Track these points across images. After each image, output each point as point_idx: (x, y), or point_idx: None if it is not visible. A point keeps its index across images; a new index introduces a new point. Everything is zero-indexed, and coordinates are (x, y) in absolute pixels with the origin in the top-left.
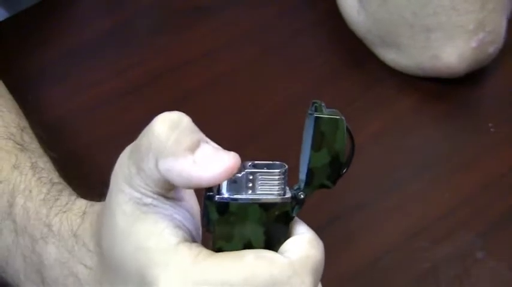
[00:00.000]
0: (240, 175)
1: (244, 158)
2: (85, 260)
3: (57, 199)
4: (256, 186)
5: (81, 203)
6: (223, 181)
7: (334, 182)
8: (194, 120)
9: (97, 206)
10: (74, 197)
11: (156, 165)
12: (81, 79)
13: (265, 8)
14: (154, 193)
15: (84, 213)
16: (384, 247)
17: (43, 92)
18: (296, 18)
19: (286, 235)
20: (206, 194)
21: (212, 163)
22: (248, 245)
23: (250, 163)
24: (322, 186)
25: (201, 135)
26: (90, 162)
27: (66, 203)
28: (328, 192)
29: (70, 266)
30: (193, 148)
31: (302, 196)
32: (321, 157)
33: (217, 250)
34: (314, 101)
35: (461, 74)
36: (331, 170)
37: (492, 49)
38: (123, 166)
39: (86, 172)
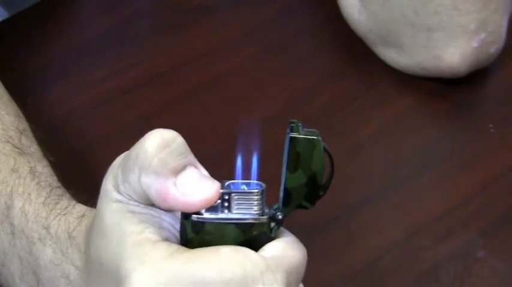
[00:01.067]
0: None
1: (244, 158)
2: (76, 261)
3: (58, 203)
4: (233, 206)
5: (81, 207)
6: (199, 209)
7: (312, 203)
8: (194, 119)
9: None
10: (74, 202)
11: (139, 179)
12: (81, 79)
13: (265, 8)
14: (139, 201)
15: (82, 216)
16: (384, 246)
17: (43, 92)
18: (296, 18)
19: None
20: (182, 213)
21: (192, 190)
22: None
23: (227, 183)
24: (300, 206)
25: (191, 159)
26: (91, 161)
27: (67, 207)
28: (328, 192)
29: (63, 267)
30: (178, 171)
31: (280, 217)
32: (297, 177)
33: None
34: (291, 120)
35: (462, 74)
36: (309, 190)
37: (493, 49)
38: (113, 170)
39: (86, 170)
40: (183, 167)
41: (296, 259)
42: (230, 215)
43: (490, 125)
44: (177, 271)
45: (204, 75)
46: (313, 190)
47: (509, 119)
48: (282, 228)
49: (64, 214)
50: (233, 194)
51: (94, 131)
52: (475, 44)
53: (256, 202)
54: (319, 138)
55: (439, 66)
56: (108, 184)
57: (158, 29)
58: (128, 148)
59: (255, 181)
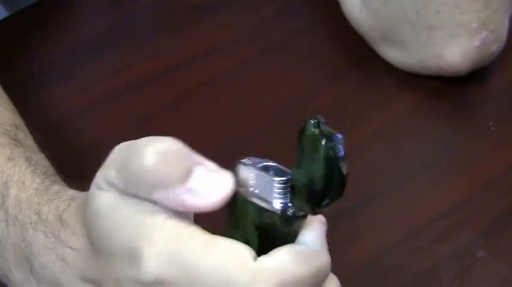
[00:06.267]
0: (250, 173)
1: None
2: (71, 243)
3: (50, 189)
4: (260, 187)
5: (73, 192)
6: (220, 206)
7: (312, 209)
8: (194, 119)
9: (83, 195)
10: (66, 187)
11: (150, 195)
12: (81, 78)
13: (265, 8)
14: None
15: (71, 199)
16: (384, 246)
17: (43, 92)
18: (296, 18)
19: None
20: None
21: (207, 192)
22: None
23: (262, 164)
24: (302, 209)
25: (194, 158)
26: (91, 161)
27: (58, 192)
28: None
29: (57, 251)
30: (186, 176)
31: (289, 213)
32: (300, 176)
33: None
34: (315, 116)
35: (463, 73)
36: (309, 194)
37: (495, 48)
38: (109, 170)
39: (86, 170)
40: (190, 170)
41: (300, 274)
42: (254, 192)
43: (491, 124)
44: (178, 252)
45: (204, 75)
46: (313, 195)
47: (510, 119)
48: (310, 233)
49: (53, 199)
50: (261, 176)
51: (94, 131)
52: (476, 42)
53: (278, 191)
54: (324, 141)
55: (440, 65)
56: (104, 178)
57: (158, 29)
58: None
59: (288, 170)
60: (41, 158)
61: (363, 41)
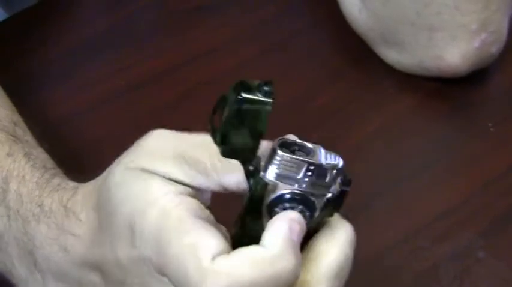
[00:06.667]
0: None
1: None
2: (74, 229)
3: (50, 181)
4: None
5: (73, 183)
6: None
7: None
8: (194, 119)
9: (92, 181)
10: (66, 179)
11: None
12: (81, 78)
13: (265, 8)
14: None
15: (76, 187)
16: (384, 246)
17: (43, 92)
18: (296, 18)
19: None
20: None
21: None
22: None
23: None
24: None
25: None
26: (91, 161)
27: (59, 184)
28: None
29: (59, 241)
30: None
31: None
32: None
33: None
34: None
35: (462, 74)
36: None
37: (494, 49)
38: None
39: (86, 170)
40: None
41: (253, 279)
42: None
43: (490, 125)
44: (160, 233)
45: (204, 75)
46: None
47: (509, 119)
48: (271, 233)
49: (57, 190)
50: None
51: (94, 131)
52: (476, 44)
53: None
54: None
55: (439, 66)
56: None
57: (158, 29)
58: (128, 148)
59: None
60: (40, 153)
61: (363, 41)
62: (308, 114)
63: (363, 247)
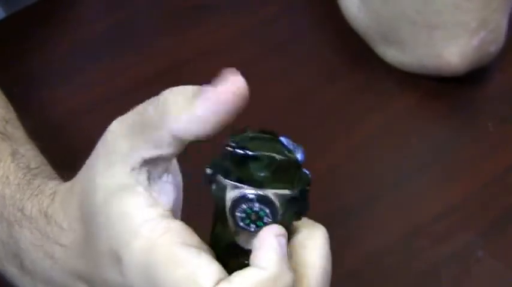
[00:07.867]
0: None
1: None
2: (60, 239)
3: (31, 183)
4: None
5: (53, 184)
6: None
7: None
8: None
9: (67, 183)
10: (46, 179)
11: (172, 127)
12: (81, 79)
13: (265, 8)
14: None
15: (54, 193)
16: (384, 246)
17: (43, 92)
18: (296, 18)
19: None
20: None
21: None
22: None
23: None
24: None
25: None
26: None
27: (38, 186)
28: (326, 192)
29: (45, 248)
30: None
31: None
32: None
33: None
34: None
35: (461, 73)
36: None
37: (493, 48)
38: (118, 141)
39: None
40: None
41: None
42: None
43: (490, 124)
44: (149, 265)
45: (204, 75)
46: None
47: (509, 118)
48: (266, 254)
49: (36, 194)
50: None
51: (94, 131)
52: (475, 42)
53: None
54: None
55: (438, 65)
56: (110, 156)
57: (158, 29)
58: None
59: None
60: (27, 150)
61: (362, 40)
62: (308, 114)
63: (363, 246)
